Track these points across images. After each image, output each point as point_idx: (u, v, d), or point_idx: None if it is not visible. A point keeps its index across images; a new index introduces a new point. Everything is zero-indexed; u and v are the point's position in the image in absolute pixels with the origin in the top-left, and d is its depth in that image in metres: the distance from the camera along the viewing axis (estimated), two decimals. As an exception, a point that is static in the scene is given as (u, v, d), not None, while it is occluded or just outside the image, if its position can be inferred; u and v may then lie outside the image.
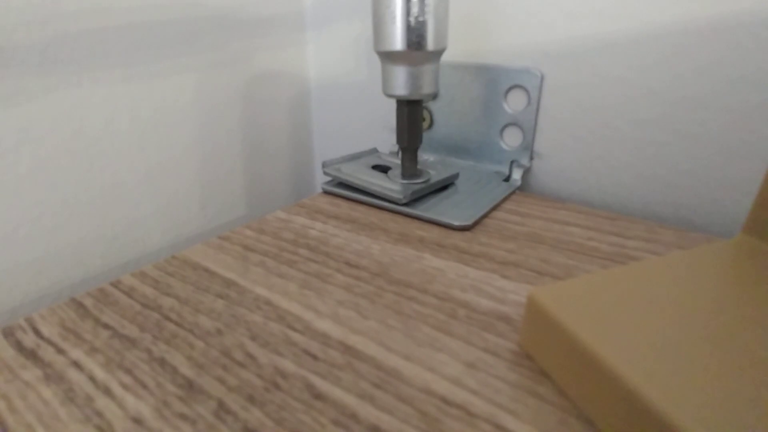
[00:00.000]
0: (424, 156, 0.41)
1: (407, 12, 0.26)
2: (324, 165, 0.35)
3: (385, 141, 0.45)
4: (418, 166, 0.35)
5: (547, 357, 0.17)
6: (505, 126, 0.36)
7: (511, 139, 0.37)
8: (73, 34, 0.29)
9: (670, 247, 0.26)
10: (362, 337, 0.19)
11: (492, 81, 0.36)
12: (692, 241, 0.27)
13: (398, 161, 0.37)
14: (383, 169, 0.36)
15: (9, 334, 0.20)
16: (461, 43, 0.37)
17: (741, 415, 0.12)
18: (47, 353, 0.19)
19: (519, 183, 0.35)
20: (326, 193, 0.35)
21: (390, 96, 0.30)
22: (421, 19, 0.27)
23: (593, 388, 0.15)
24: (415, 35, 0.27)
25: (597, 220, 0.30)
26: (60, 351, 0.19)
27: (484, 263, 0.25)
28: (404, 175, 0.33)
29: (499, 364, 0.18)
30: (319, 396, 0.16)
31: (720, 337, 0.15)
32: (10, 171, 0.28)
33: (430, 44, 0.27)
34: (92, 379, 0.17)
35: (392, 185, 0.32)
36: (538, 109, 0.35)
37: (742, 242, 0.21)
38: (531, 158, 0.36)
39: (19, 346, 0.19)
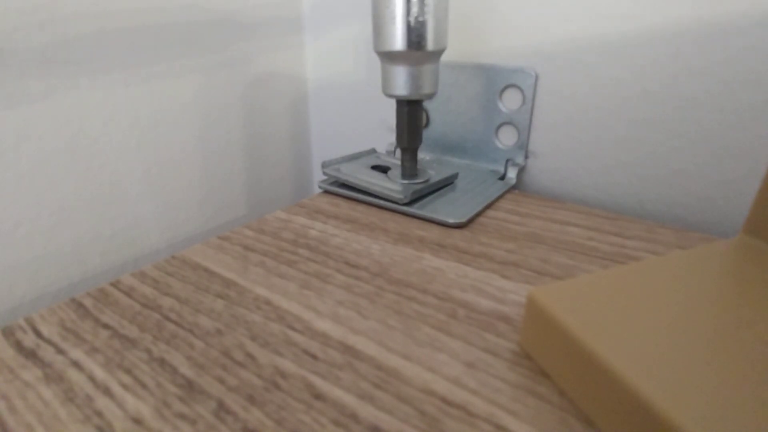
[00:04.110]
0: (421, 155, 0.41)
1: (407, 12, 0.26)
2: (323, 165, 0.35)
3: (383, 141, 0.45)
4: (417, 166, 0.35)
5: (547, 357, 0.17)
6: (501, 125, 0.36)
7: (507, 138, 0.37)
8: (72, 35, 0.29)
9: (670, 247, 0.26)
10: (362, 337, 0.19)
11: (487, 80, 0.36)
12: (692, 241, 0.27)
13: (397, 161, 0.37)
14: (382, 169, 0.36)
15: (9, 334, 0.20)
16: (457, 43, 0.37)
17: (741, 415, 0.12)
18: (47, 353, 0.19)
19: (514, 181, 0.35)
20: (325, 192, 0.35)
21: (390, 96, 0.30)
22: (421, 19, 0.27)
23: (593, 388, 0.15)
24: (415, 35, 0.27)
25: (597, 220, 0.30)
26: (60, 351, 0.19)
27: (484, 263, 0.25)
28: (404, 175, 0.33)
29: (499, 364, 0.18)
30: (319, 396, 0.16)
31: (720, 336, 0.15)
32: (10, 170, 0.28)
33: (430, 44, 0.27)
34: (92, 379, 0.17)
35: (393, 185, 0.32)
36: (532, 109, 0.35)
37: (742, 242, 0.21)
38: (526, 157, 0.36)
39: (19, 346, 0.19)
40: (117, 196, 0.34)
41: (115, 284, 0.23)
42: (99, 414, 0.16)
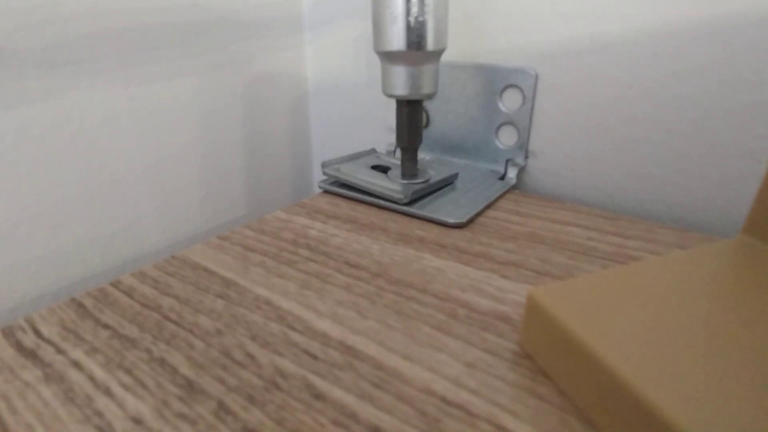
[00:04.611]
0: (421, 155, 0.41)
1: (407, 12, 0.26)
2: (323, 165, 0.35)
3: (383, 141, 0.45)
4: (417, 166, 0.35)
5: (547, 357, 0.17)
6: (501, 125, 0.36)
7: (507, 138, 0.37)
8: (72, 35, 0.29)
9: (670, 247, 0.26)
10: (362, 337, 0.19)
11: (487, 80, 0.36)
12: (692, 241, 0.27)
13: (397, 161, 0.37)
14: (382, 169, 0.36)
15: (9, 334, 0.20)
16: (457, 43, 0.37)
17: (741, 415, 0.12)
18: (47, 353, 0.19)
19: (514, 181, 0.35)
20: (325, 192, 0.35)
21: (390, 96, 0.30)
22: (421, 19, 0.27)
23: (593, 388, 0.15)
24: (415, 35, 0.27)
25: (597, 220, 0.30)
26: (60, 351, 0.19)
27: (483, 263, 0.25)
28: (404, 175, 0.33)
29: (499, 364, 0.18)
30: (319, 396, 0.16)
31: (720, 337, 0.15)
32: (10, 170, 0.28)
33: (430, 44, 0.27)
34: (92, 379, 0.17)
35: (393, 185, 0.32)
36: (532, 109, 0.35)
37: (742, 242, 0.21)
38: (526, 157, 0.36)
39: (19, 346, 0.19)
40: (117, 195, 0.34)
41: (115, 284, 0.23)
42: (99, 414, 0.16)
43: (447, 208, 0.30)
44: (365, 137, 0.46)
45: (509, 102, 0.36)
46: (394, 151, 0.41)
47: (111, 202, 0.33)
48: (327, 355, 0.18)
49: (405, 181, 0.33)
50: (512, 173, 0.36)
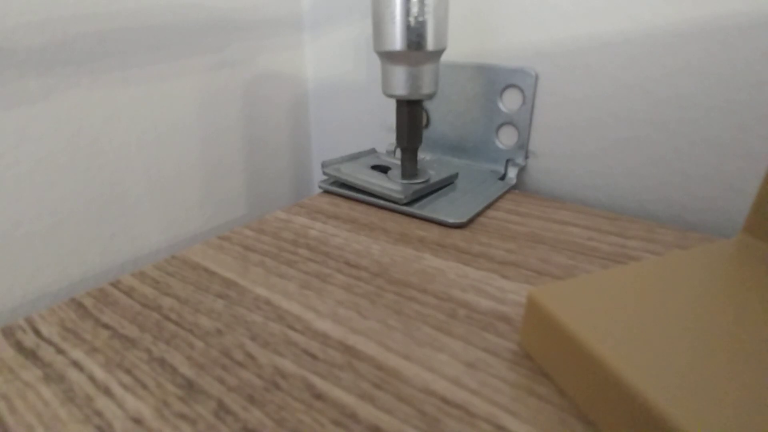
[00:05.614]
0: (421, 155, 0.41)
1: (407, 12, 0.26)
2: (323, 165, 0.35)
3: (383, 141, 0.45)
4: (417, 166, 0.35)
5: (547, 357, 0.17)
6: (501, 125, 0.36)
7: (507, 138, 0.37)
8: (72, 35, 0.29)
9: (670, 247, 0.26)
10: (362, 337, 0.19)
11: (487, 80, 0.36)
12: (692, 241, 0.27)
13: (397, 161, 0.37)
14: (382, 169, 0.36)
15: (9, 334, 0.20)
16: (457, 43, 0.37)
17: (741, 415, 0.12)
18: (47, 353, 0.19)
19: (514, 181, 0.35)
20: (325, 192, 0.35)
21: (390, 96, 0.30)
22: (420, 19, 0.27)
23: (593, 388, 0.15)
24: (415, 35, 0.27)
25: (596, 220, 0.30)
26: (60, 351, 0.19)
27: (484, 263, 0.25)
28: (404, 175, 0.33)
29: (499, 364, 0.18)
30: (319, 396, 0.16)
31: (720, 336, 0.15)
32: (10, 170, 0.28)
33: (430, 44, 0.27)
34: (92, 379, 0.17)
35: (393, 185, 0.32)
36: (533, 109, 0.35)
37: (742, 242, 0.21)
38: (526, 157, 0.36)
39: (19, 346, 0.19)
40: (117, 195, 0.34)
41: (115, 284, 0.23)
42: (99, 414, 0.16)
43: (447, 208, 0.30)
44: (365, 137, 0.46)
45: (509, 102, 0.36)
46: (394, 151, 0.41)
47: (111, 202, 0.33)
48: (327, 355, 0.18)
49: (405, 181, 0.33)
50: (512, 173, 0.36)
